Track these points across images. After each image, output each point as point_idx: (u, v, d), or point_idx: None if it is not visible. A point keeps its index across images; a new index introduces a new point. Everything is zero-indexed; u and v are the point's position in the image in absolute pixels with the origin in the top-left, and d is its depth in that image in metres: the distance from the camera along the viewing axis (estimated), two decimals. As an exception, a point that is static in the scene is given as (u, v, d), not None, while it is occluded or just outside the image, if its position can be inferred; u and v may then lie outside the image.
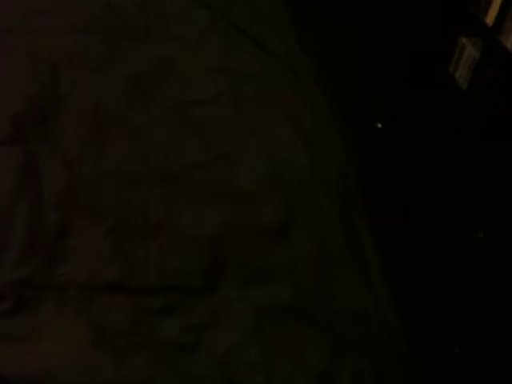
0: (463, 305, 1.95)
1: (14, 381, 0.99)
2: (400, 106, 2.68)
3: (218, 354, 1.08)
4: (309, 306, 1.18)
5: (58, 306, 1.09)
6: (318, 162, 1.47)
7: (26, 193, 1.23)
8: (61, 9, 1.71)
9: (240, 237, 1.24)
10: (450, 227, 2.19)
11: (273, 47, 1.80)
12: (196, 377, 1.06)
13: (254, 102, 1.57)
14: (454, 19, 2.81)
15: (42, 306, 1.09)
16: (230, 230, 1.25)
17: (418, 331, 1.56)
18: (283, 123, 1.53)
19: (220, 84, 1.59)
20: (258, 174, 1.38)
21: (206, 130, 1.46)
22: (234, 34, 1.78)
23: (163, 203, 1.28)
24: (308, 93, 1.70)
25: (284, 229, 1.27)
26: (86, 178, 1.29)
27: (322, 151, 1.51)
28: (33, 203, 1.22)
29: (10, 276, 1.10)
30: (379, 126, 2.59)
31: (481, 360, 1.83)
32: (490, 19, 2.55)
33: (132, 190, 1.29)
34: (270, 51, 1.77)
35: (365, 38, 2.90)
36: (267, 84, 1.65)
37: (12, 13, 1.67)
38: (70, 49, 1.59)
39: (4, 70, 1.50)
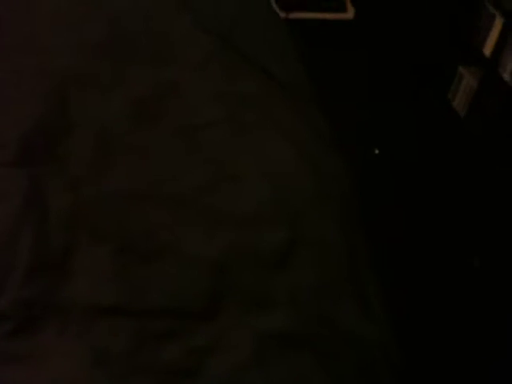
0: (464, 335, 1.95)
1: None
2: (398, 131, 2.69)
3: (218, 378, 1.09)
4: (309, 334, 1.18)
5: (60, 327, 1.10)
6: (320, 186, 1.48)
7: (32, 214, 1.24)
8: (68, 29, 1.72)
9: (242, 262, 1.25)
10: (447, 253, 2.20)
11: (275, 73, 1.81)
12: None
13: (256, 126, 1.58)
14: (454, 49, 2.84)
15: (44, 328, 1.09)
16: (232, 255, 1.26)
17: (418, 359, 1.56)
18: (286, 148, 1.54)
19: (223, 108, 1.60)
20: (261, 198, 1.39)
21: (210, 153, 1.47)
22: (237, 59, 1.80)
23: (167, 226, 1.29)
24: (310, 119, 1.72)
25: (286, 255, 1.28)
26: (92, 199, 1.30)
27: (324, 176, 1.52)
28: (38, 225, 1.23)
29: (15, 297, 1.11)
30: (377, 151, 2.61)
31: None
32: (488, 50, 2.59)
33: (137, 212, 1.30)
34: (271, 76, 1.79)
35: (364, 65, 2.93)
36: (269, 109, 1.66)
37: (20, 31, 1.68)
38: (77, 70, 1.60)
39: (12, 88, 1.51)
